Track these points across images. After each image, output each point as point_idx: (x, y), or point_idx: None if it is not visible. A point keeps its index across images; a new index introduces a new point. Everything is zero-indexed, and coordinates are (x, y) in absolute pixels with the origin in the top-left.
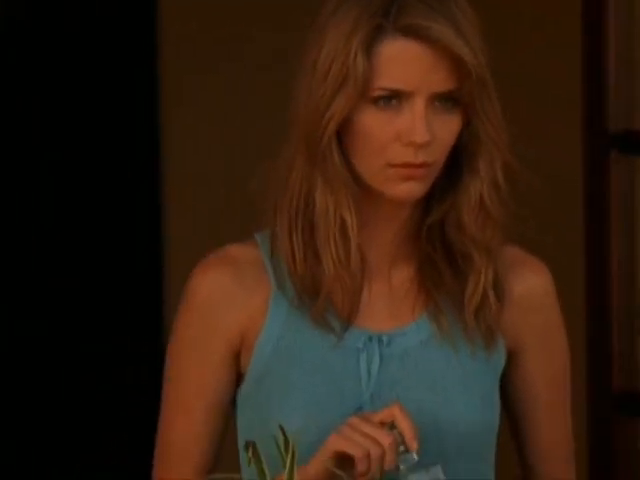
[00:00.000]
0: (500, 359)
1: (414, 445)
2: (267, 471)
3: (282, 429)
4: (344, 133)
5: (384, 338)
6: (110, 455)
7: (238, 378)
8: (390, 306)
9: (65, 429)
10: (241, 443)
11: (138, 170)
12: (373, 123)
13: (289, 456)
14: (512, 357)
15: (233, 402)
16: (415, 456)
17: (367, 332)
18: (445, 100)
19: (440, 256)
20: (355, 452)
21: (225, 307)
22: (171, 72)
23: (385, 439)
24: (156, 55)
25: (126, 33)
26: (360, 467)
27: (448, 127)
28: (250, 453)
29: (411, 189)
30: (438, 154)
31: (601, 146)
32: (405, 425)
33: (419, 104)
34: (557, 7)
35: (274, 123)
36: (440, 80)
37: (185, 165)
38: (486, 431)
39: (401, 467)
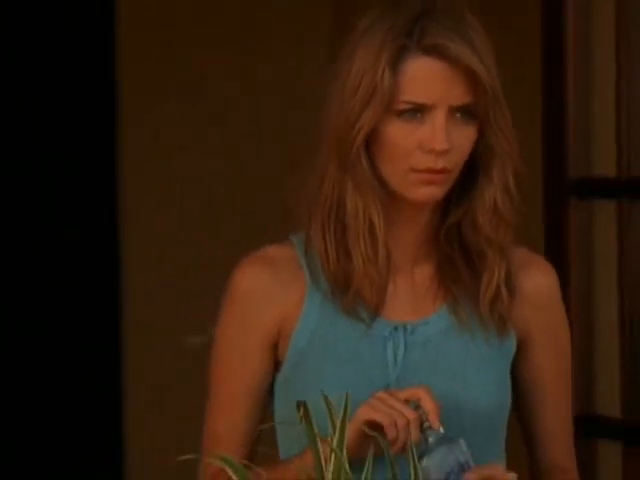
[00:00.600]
0: (511, 346)
1: (437, 423)
2: (316, 430)
3: (325, 397)
4: (372, 142)
5: (408, 327)
6: (108, 453)
7: (275, 366)
8: (413, 299)
9: (60, 429)
10: (277, 427)
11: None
12: (398, 133)
13: (342, 414)
14: (521, 348)
15: (270, 389)
16: (441, 429)
17: (393, 322)
18: (462, 113)
19: (457, 255)
20: (383, 420)
21: (264, 302)
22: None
23: (410, 413)
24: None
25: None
26: (389, 433)
27: (465, 137)
28: (301, 412)
29: (431, 192)
30: (456, 161)
31: (561, 192)
32: (429, 405)
33: (439, 116)
34: (519, 59)
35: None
36: (458, 95)
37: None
38: (500, 410)
39: (430, 440)
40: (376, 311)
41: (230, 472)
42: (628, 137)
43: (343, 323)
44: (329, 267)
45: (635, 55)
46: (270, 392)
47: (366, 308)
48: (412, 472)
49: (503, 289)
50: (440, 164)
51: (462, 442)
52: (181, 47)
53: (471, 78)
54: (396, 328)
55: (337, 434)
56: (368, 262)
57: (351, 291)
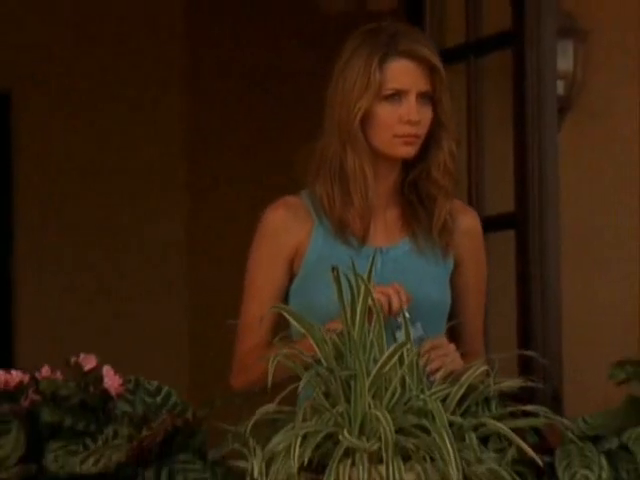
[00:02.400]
0: (450, 265)
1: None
2: (344, 293)
3: (336, 270)
4: (365, 120)
5: (384, 250)
6: None
7: (290, 279)
8: (386, 232)
9: None
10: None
11: None
12: (384, 111)
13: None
14: (456, 267)
15: (285, 296)
16: (407, 314)
17: (373, 247)
18: (424, 98)
19: (416, 201)
20: (380, 297)
21: (285, 233)
22: None
23: (390, 290)
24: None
25: None
26: (384, 304)
27: (427, 114)
28: (335, 273)
29: (408, 150)
30: (422, 129)
31: None
32: (403, 296)
33: (412, 98)
34: None
35: None
36: (423, 83)
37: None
38: (443, 304)
39: (399, 320)
40: (362, 240)
41: (290, 317)
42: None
43: (340, 248)
44: (331, 210)
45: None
46: (285, 298)
47: (356, 239)
48: (392, 339)
49: (448, 222)
50: (414, 131)
51: (418, 324)
52: None
53: (431, 72)
54: (375, 251)
55: (361, 300)
56: (362, 201)
57: (346, 227)
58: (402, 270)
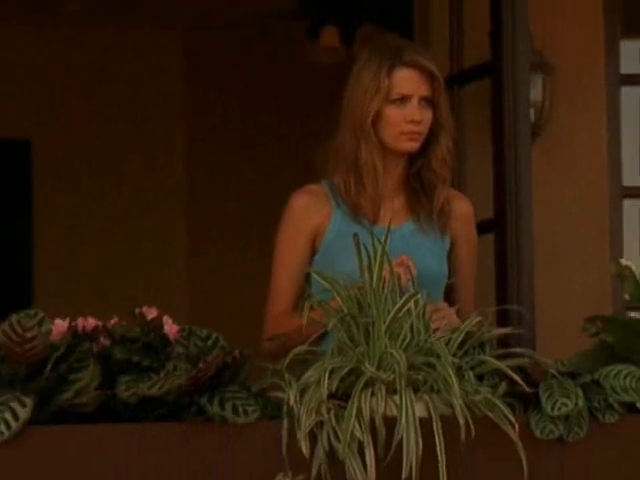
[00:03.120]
0: (447, 243)
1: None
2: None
3: (357, 237)
4: (375, 120)
5: (392, 230)
6: None
7: (313, 254)
8: (393, 215)
9: None
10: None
11: None
12: (392, 113)
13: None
14: (452, 246)
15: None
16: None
17: (383, 227)
18: (426, 102)
19: (419, 189)
20: (397, 267)
21: (308, 216)
22: None
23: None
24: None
25: None
26: (402, 275)
27: (427, 115)
28: (356, 239)
29: (412, 145)
30: (424, 128)
31: None
32: (412, 269)
33: (415, 101)
34: None
35: None
36: (424, 89)
37: None
38: (442, 276)
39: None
40: (374, 221)
41: (319, 277)
42: None
43: (355, 227)
44: (347, 196)
45: None
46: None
47: (368, 220)
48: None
49: (445, 207)
50: (417, 129)
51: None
52: None
53: (431, 80)
54: (384, 230)
55: (378, 260)
56: (374, 189)
57: (360, 210)
58: (407, 246)
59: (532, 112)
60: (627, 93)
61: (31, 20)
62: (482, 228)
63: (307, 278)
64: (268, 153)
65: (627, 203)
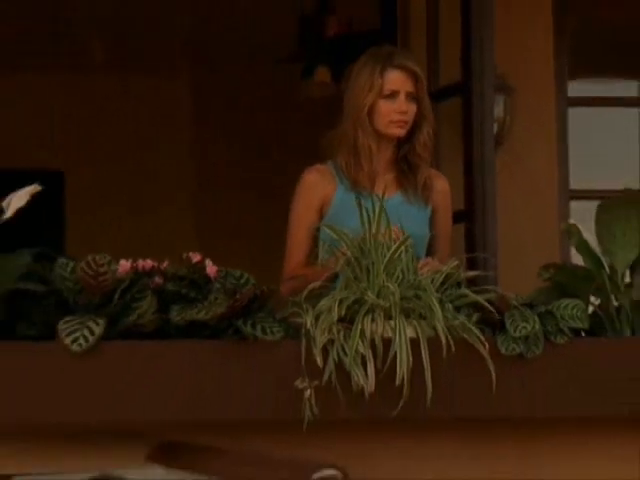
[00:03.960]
0: (429, 212)
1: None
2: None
3: (359, 200)
4: (370, 112)
5: (384, 200)
6: None
7: (320, 219)
8: (386, 188)
9: None
10: (324, 254)
11: None
12: (384, 105)
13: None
14: (433, 214)
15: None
16: None
17: (378, 197)
18: (410, 97)
19: (405, 169)
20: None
21: (316, 188)
22: None
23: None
24: None
25: None
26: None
27: (413, 107)
28: (357, 202)
29: (400, 131)
30: (409, 117)
31: None
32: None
33: (402, 96)
34: None
35: None
36: (409, 86)
37: None
38: (424, 239)
39: None
40: (370, 192)
41: (330, 230)
42: None
43: (355, 197)
44: (348, 173)
45: None
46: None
47: (365, 191)
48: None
49: (427, 183)
50: (404, 118)
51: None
52: None
53: (415, 79)
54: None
55: (377, 215)
56: (369, 167)
57: (358, 184)
58: (397, 214)
59: (495, 126)
60: (573, 113)
61: (65, 69)
62: (455, 217)
63: (315, 242)
64: (269, 181)
65: (573, 204)
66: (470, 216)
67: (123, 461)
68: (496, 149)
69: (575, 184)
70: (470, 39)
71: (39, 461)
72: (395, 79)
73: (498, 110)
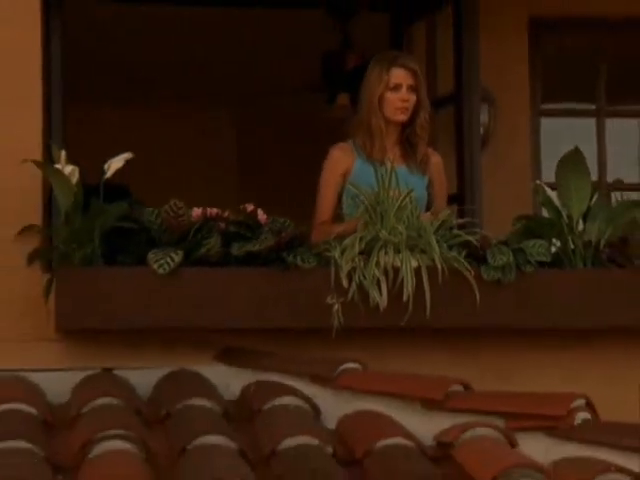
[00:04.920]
0: (427, 180)
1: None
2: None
3: (375, 169)
4: (380, 101)
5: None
6: None
7: (343, 185)
8: (393, 161)
9: None
10: (346, 208)
11: None
12: (390, 96)
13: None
14: (430, 183)
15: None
16: None
17: (387, 167)
18: (411, 90)
19: (407, 147)
20: None
21: (340, 160)
22: None
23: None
24: None
25: None
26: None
27: (413, 97)
28: (374, 169)
29: (403, 117)
30: (410, 105)
31: None
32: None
33: (404, 88)
34: None
35: None
36: (410, 80)
37: None
38: (423, 200)
39: None
40: (381, 164)
41: (354, 187)
42: None
43: (370, 166)
44: (364, 150)
45: None
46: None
47: (378, 163)
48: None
49: (424, 158)
50: (406, 105)
51: None
52: None
53: (414, 75)
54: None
55: (388, 176)
56: (380, 145)
57: (373, 157)
58: (402, 181)
59: (481, 129)
60: (544, 121)
61: (133, 104)
62: (449, 200)
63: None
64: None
65: None
66: (461, 199)
67: (196, 360)
68: (482, 148)
69: (545, 177)
70: (461, 60)
71: (132, 358)
72: (398, 75)
73: (483, 117)
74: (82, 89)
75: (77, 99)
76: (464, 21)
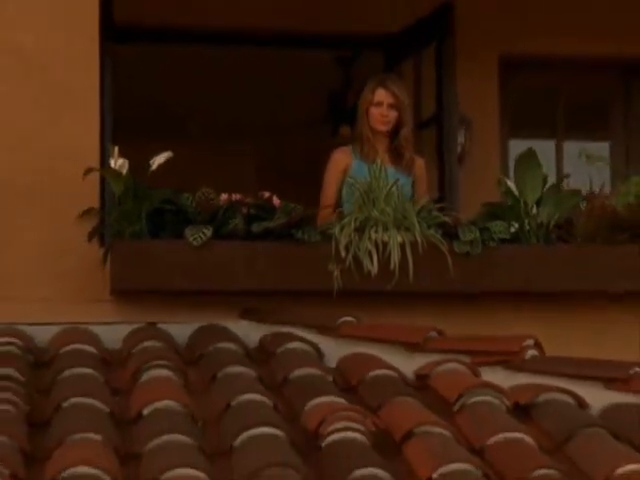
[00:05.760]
0: (412, 179)
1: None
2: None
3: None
4: (367, 113)
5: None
6: None
7: (343, 180)
8: (383, 162)
9: None
10: (345, 196)
11: None
12: (374, 110)
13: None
14: (414, 181)
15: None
16: None
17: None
18: (392, 107)
19: (395, 154)
20: None
21: (340, 161)
22: None
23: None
24: None
25: None
26: None
27: (393, 113)
28: (368, 167)
29: (382, 127)
30: (391, 118)
31: None
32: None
33: (385, 105)
34: None
35: None
36: (390, 99)
37: None
38: (409, 195)
39: None
40: (373, 163)
41: (352, 180)
42: None
43: (365, 166)
44: (360, 153)
45: None
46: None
47: (371, 163)
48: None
49: (409, 162)
50: (386, 119)
51: None
52: None
53: (394, 96)
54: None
55: (379, 169)
56: (370, 150)
57: (368, 158)
58: (391, 178)
59: (459, 148)
60: (512, 143)
61: (164, 138)
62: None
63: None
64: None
65: None
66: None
67: (223, 317)
68: (459, 164)
69: None
70: (441, 90)
71: (171, 314)
72: (381, 94)
73: (460, 136)
74: (121, 122)
75: (116, 129)
76: (444, 58)
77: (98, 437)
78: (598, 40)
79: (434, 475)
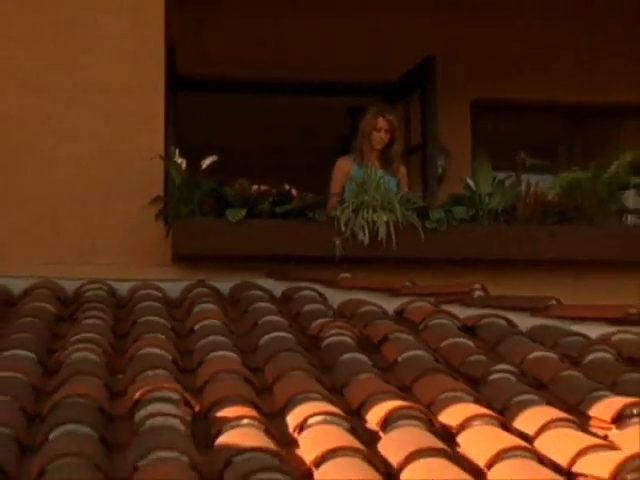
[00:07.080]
0: (397, 181)
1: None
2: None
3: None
4: (368, 134)
5: (378, 171)
6: None
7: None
8: (375, 167)
9: None
10: (347, 192)
11: None
12: (375, 134)
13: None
14: (398, 182)
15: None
16: None
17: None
18: (388, 131)
19: (387, 163)
20: None
21: (343, 167)
22: None
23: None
24: None
25: None
26: None
27: (388, 136)
28: (364, 169)
29: (380, 147)
30: (386, 141)
31: None
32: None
33: (383, 131)
34: None
35: None
36: (387, 126)
37: None
38: (397, 186)
39: None
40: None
41: (355, 179)
42: None
43: (362, 170)
44: (359, 161)
45: None
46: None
47: (366, 167)
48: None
49: (396, 169)
50: (383, 141)
51: None
52: None
53: (390, 123)
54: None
55: (374, 168)
56: (366, 157)
57: (367, 165)
58: (383, 179)
59: (439, 170)
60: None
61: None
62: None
63: (342, 191)
64: None
65: None
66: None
67: (254, 276)
68: (439, 184)
69: None
70: (425, 125)
71: (215, 274)
72: (381, 122)
73: (441, 162)
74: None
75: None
76: (427, 102)
77: (163, 337)
78: (549, 88)
79: (399, 359)
